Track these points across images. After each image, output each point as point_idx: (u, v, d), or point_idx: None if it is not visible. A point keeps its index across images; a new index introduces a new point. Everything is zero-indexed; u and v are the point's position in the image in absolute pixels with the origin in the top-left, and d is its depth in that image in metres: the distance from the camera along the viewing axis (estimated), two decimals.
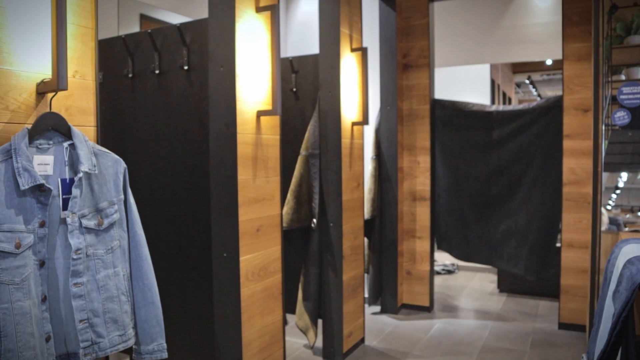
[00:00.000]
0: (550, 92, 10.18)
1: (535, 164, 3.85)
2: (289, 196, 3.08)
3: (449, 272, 5.58)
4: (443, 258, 5.75)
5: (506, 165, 3.95)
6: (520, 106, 3.98)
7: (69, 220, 1.42)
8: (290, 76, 3.40)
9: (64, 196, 1.43)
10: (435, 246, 4.36)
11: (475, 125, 4.04)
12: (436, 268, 5.19)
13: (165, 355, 1.62)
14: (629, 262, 1.85)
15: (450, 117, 4.14)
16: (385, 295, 4.15)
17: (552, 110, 3.76)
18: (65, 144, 1.47)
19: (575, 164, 3.61)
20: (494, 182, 3.99)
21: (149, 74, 2.56)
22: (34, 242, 1.37)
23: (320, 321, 3.24)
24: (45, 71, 1.52)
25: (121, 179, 1.57)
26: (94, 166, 1.47)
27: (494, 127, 3.96)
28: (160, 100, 2.54)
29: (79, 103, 1.65)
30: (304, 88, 3.40)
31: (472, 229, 4.14)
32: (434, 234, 4.26)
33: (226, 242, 2.23)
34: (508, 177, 3.95)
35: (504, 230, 3.99)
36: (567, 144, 3.62)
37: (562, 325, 3.68)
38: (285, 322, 2.70)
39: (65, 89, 1.46)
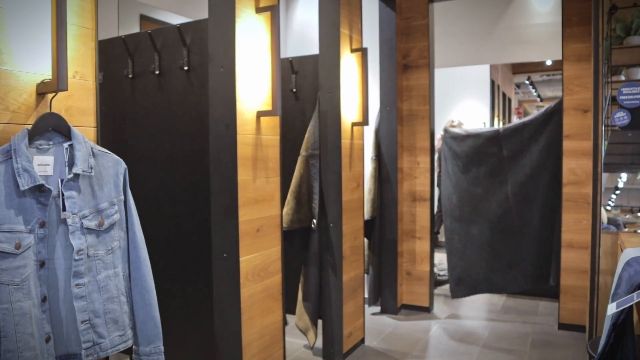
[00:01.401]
0: (550, 92, 10.19)
1: (547, 172, 3.78)
2: (289, 197, 3.09)
3: None
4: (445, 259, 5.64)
5: (521, 179, 3.84)
6: (524, 118, 3.95)
7: (69, 221, 1.42)
8: (290, 77, 3.40)
9: (64, 197, 1.43)
10: (451, 294, 4.15)
11: (485, 145, 3.95)
12: (440, 272, 5.03)
13: (162, 358, 1.62)
14: (627, 264, 1.85)
15: (460, 144, 4.05)
16: (385, 295, 4.15)
17: (555, 114, 3.72)
18: (65, 145, 1.47)
19: (575, 165, 3.61)
20: (512, 198, 3.88)
21: (149, 75, 2.56)
22: (34, 243, 1.37)
23: (320, 321, 3.24)
24: (45, 72, 1.53)
25: (121, 179, 1.57)
26: (90, 168, 1.47)
27: (503, 144, 3.90)
28: (160, 100, 2.54)
29: (79, 104, 1.65)
30: (304, 89, 3.40)
31: (497, 256, 3.95)
32: (433, 235, 4.27)
33: (226, 242, 2.23)
34: (525, 190, 3.84)
35: (526, 246, 3.86)
36: (567, 144, 3.62)
37: (562, 326, 3.68)
38: (285, 323, 2.70)
39: (65, 89, 1.46)
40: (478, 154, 3.98)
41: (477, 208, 4.00)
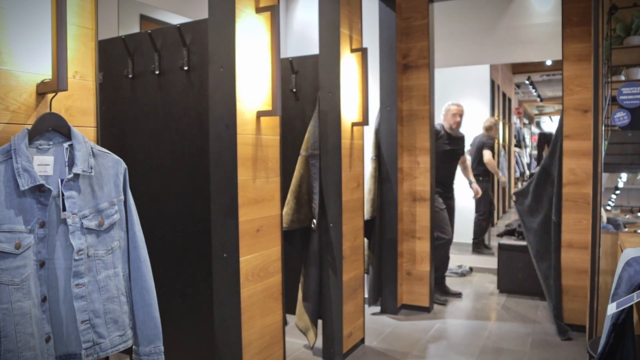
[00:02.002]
0: (550, 92, 10.19)
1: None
2: (289, 197, 3.09)
3: (462, 275, 5.41)
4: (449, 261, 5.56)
5: (556, 190, 3.73)
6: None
7: (69, 221, 1.42)
8: (290, 77, 3.40)
9: (64, 197, 1.43)
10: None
11: (539, 179, 3.91)
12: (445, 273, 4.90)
13: (162, 358, 1.62)
14: (627, 264, 1.86)
15: (524, 194, 4.01)
16: (385, 295, 4.15)
17: None
18: (65, 145, 1.47)
19: (575, 165, 3.61)
20: (554, 214, 3.76)
21: (149, 75, 2.56)
22: (34, 243, 1.37)
23: (320, 321, 3.24)
24: (45, 72, 1.52)
25: (121, 179, 1.57)
26: (90, 168, 1.47)
27: (552, 165, 3.82)
28: (160, 100, 2.54)
29: (79, 104, 1.65)
30: (304, 88, 3.40)
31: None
32: (433, 235, 4.26)
33: (226, 242, 2.23)
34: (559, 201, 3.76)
35: None
36: (567, 144, 3.62)
37: None
38: (285, 323, 2.70)
39: (65, 89, 1.46)
40: (538, 190, 3.91)
41: (549, 242, 3.85)
